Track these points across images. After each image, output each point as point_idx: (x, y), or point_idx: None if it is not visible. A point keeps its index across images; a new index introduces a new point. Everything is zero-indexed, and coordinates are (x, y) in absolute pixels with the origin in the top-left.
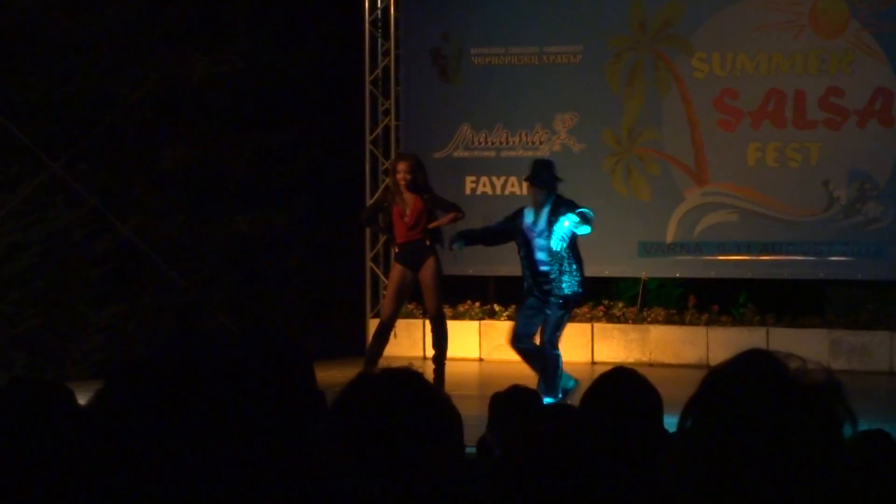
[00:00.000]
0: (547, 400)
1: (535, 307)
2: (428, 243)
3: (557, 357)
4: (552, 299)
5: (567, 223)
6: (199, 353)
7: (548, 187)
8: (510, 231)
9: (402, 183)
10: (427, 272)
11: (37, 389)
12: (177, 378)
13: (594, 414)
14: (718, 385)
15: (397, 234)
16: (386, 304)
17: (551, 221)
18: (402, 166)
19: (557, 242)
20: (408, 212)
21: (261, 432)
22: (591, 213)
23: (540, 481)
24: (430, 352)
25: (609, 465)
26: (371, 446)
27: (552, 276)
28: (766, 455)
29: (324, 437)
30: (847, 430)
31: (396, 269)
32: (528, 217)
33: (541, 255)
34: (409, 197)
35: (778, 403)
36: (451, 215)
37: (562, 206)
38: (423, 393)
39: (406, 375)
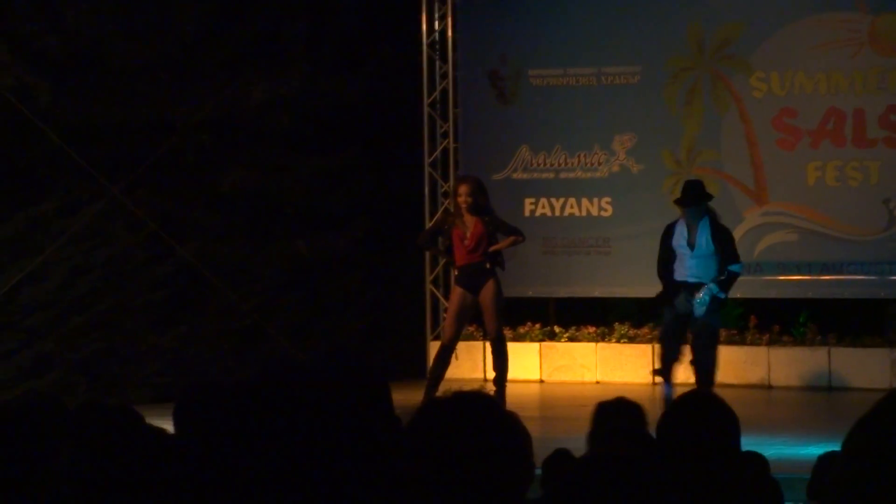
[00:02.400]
0: None
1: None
2: (488, 266)
3: None
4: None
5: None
6: (289, 379)
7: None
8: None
9: (464, 205)
10: (487, 295)
11: (106, 414)
12: (268, 403)
13: (671, 436)
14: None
15: (457, 256)
16: (446, 326)
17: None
18: (463, 188)
19: (700, 309)
20: (468, 235)
21: (345, 456)
22: (739, 269)
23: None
24: (491, 374)
25: (685, 487)
26: (446, 470)
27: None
28: None
29: (400, 461)
30: None
31: (456, 292)
32: (682, 235)
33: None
34: (469, 219)
35: None
36: (511, 239)
37: (718, 229)
38: (496, 416)
39: (478, 399)
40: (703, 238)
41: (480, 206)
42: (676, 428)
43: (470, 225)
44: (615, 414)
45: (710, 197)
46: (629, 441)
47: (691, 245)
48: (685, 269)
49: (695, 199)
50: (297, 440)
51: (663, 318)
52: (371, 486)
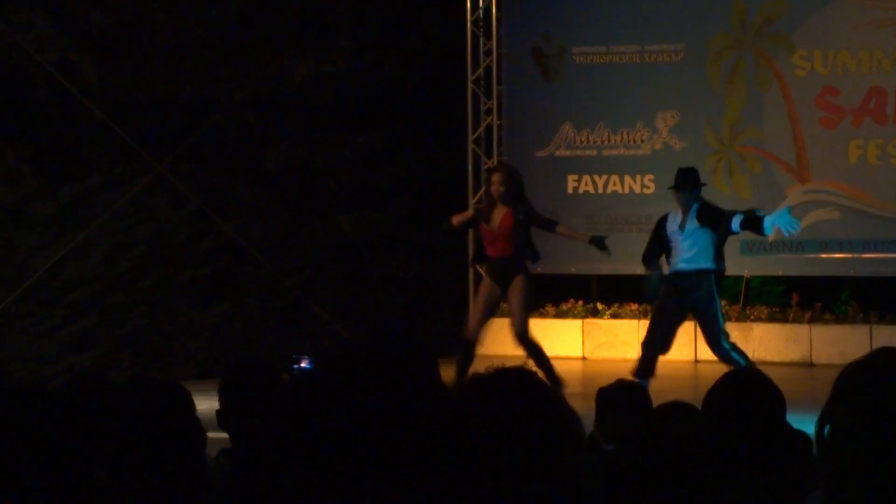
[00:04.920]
0: None
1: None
2: (517, 259)
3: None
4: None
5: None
6: (340, 356)
7: (691, 191)
8: (664, 239)
9: (496, 194)
10: (514, 292)
11: (155, 389)
12: (316, 379)
13: (716, 412)
14: (852, 385)
15: (488, 249)
16: (471, 318)
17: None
18: (496, 177)
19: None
20: (496, 226)
21: (395, 431)
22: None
23: (658, 478)
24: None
25: (730, 463)
26: (487, 447)
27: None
28: None
29: (446, 437)
30: None
31: (485, 284)
32: (674, 221)
33: (683, 257)
34: (500, 211)
35: None
36: (569, 232)
37: (708, 208)
38: (540, 392)
39: (520, 375)
40: (693, 219)
41: (514, 195)
42: (722, 404)
43: (499, 217)
44: (617, 397)
45: (702, 184)
46: (637, 420)
47: (682, 228)
48: (678, 256)
49: (688, 183)
50: (347, 417)
51: (664, 304)
52: (418, 464)
